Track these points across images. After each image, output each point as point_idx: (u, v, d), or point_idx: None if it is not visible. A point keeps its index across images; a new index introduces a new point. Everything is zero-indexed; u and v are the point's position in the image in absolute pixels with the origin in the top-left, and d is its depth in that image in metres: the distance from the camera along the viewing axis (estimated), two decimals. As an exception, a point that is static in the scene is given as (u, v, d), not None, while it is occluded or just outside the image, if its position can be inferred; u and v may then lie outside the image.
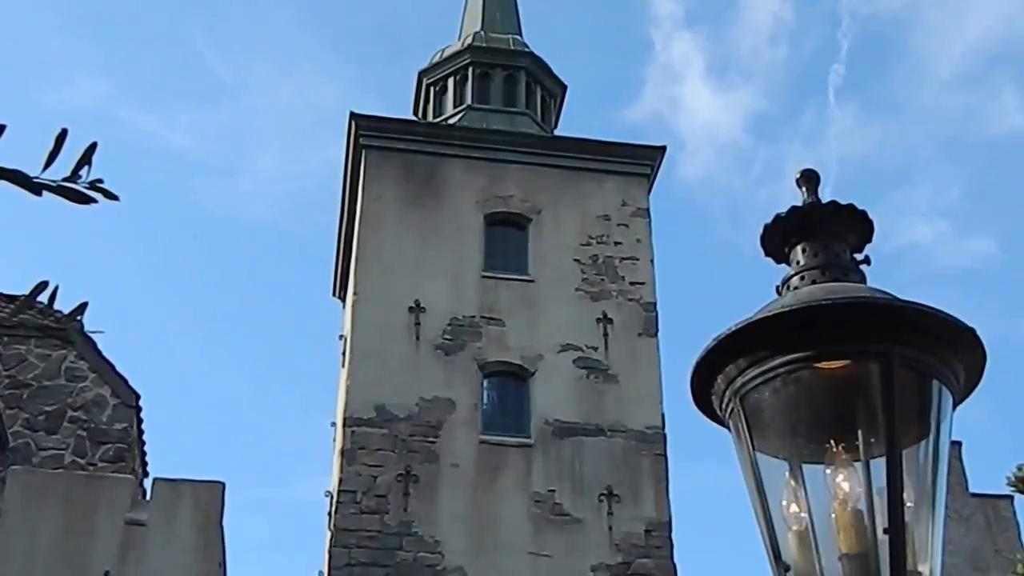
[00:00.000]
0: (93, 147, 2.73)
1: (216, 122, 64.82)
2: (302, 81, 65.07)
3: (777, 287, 3.10)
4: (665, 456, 23.00)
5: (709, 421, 3.09)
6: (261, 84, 65.63)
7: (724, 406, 3.01)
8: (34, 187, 2.67)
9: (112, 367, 16.53)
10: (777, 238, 3.15)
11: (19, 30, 61.16)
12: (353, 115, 25.94)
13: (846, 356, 2.84)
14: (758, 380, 2.89)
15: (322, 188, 65.38)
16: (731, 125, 65.87)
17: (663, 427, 23.32)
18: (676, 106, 64.41)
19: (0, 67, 57.53)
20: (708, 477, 51.10)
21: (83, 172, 2.72)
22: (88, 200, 2.76)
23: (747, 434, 2.96)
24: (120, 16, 64.15)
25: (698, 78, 65.12)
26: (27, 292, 2.94)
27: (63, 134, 2.67)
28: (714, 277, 58.21)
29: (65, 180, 2.70)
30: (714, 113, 64.65)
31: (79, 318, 3.02)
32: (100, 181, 2.75)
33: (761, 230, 3.17)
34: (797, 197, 3.17)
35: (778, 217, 3.12)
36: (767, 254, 3.19)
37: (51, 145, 2.66)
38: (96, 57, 63.85)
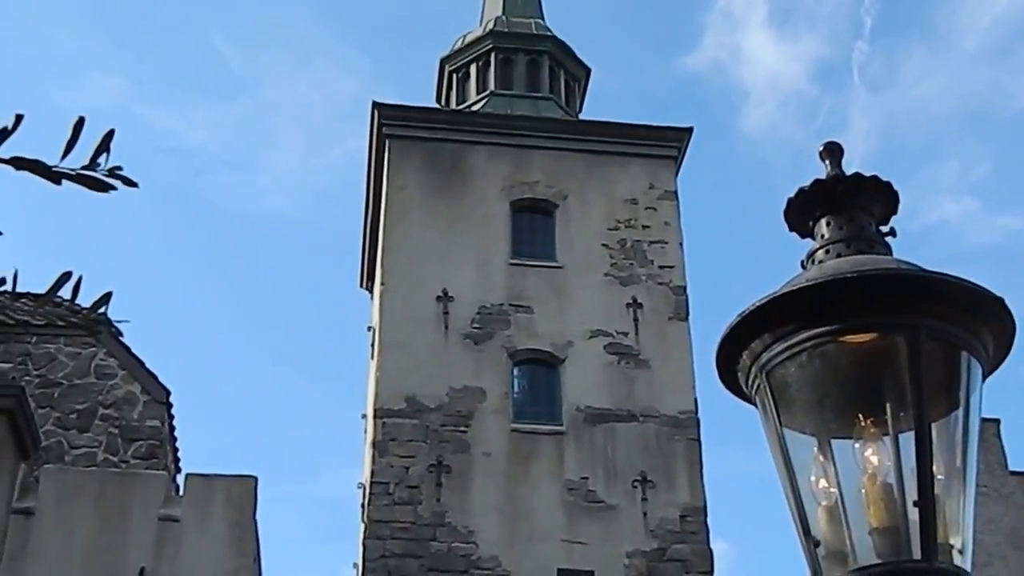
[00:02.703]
0: (110, 134, 2.74)
1: (233, 117, 64.97)
2: (319, 74, 65.08)
3: (802, 261, 3.07)
4: (699, 441, 22.90)
5: (737, 399, 3.08)
6: (277, 78, 65.71)
7: (750, 382, 3.00)
8: (53, 176, 2.69)
9: (142, 364, 16.58)
10: (801, 212, 3.14)
11: (32, 28, 61.51)
12: (376, 104, 25.91)
13: (873, 329, 2.82)
14: (784, 355, 2.87)
15: (343, 181, 65.47)
16: (795, 74, 64.59)
17: (696, 411, 23.21)
18: (737, 54, 63.46)
19: (15, 65, 57.83)
20: (741, 462, 50.88)
21: (101, 160, 2.73)
22: (107, 187, 2.76)
23: (774, 410, 2.93)
24: (134, 12, 64.34)
25: (760, 25, 64.04)
26: (51, 284, 2.95)
27: (80, 122, 2.68)
28: (765, 242, 56.93)
29: (84, 168, 2.71)
30: (777, 61, 63.42)
31: (103, 309, 3.03)
32: (119, 168, 2.77)
33: (784, 204, 3.15)
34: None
35: (801, 191, 3.09)
36: (791, 228, 3.17)
37: (68, 134, 2.68)
38: (111, 54, 64.08)
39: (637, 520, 21.88)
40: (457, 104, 28.91)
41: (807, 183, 3.09)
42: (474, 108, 28.05)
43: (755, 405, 3.01)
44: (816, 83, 65.11)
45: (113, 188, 2.77)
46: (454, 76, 29.58)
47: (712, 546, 21.91)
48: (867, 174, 3.08)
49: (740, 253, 59.00)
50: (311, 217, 66.55)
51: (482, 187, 25.25)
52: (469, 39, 29.74)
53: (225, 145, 66.18)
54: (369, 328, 26.55)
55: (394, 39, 65.80)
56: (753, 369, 2.95)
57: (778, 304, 2.84)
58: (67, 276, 2.94)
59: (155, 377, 16.65)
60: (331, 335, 62.35)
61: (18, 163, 2.68)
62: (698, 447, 22.83)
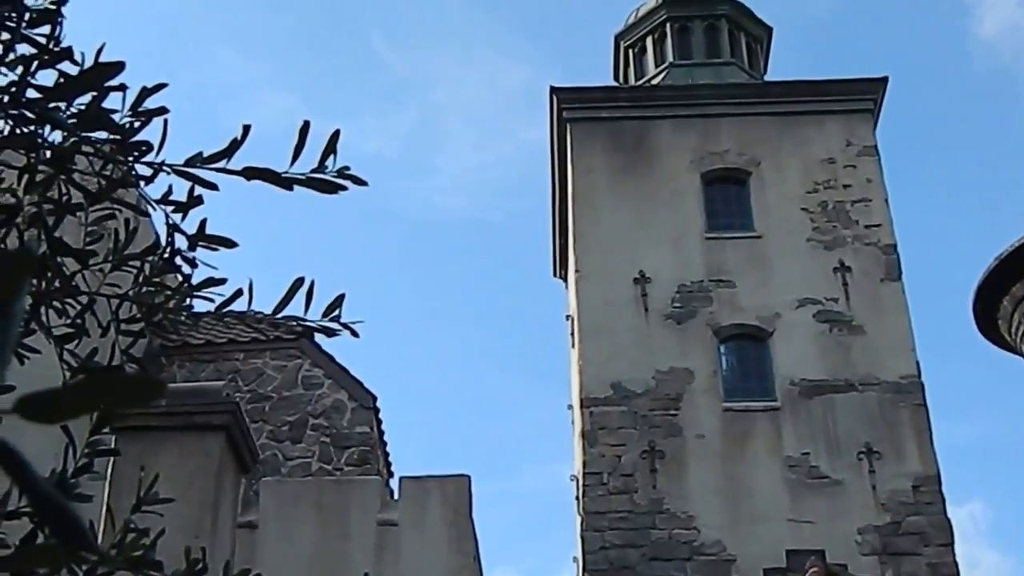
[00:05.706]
0: (336, 135, 2.73)
1: (403, 122, 65.54)
2: (484, 67, 65.01)
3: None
4: (925, 406, 21.71)
5: (1000, 350, 2.54)
6: (443, 77, 65.95)
7: (1014, 330, 2.51)
8: (285, 183, 2.70)
9: (346, 371, 16.68)
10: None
11: (202, 57, 63.48)
12: (553, 89, 25.55)
13: None
14: (1054, 296, 2.32)
15: (522, 172, 65.37)
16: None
17: (919, 375, 22.01)
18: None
19: (190, 93, 59.72)
20: (987, 418, 48.30)
21: (328, 162, 2.72)
22: (337, 188, 2.75)
23: (1049, 361, 2.39)
24: (295, 28, 65.63)
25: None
26: (286, 290, 2.91)
27: (306, 127, 2.67)
28: (996, 174, 52.69)
29: (313, 172, 2.71)
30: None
31: (337, 312, 2.99)
32: (347, 168, 2.74)
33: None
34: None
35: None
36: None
37: (295, 139, 2.68)
38: (280, 72, 65.52)
39: (866, 494, 20.88)
40: (636, 80, 28.34)
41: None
42: (654, 82, 27.43)
43: (1020, 354, 2.53)
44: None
45: (344, 188, 2.73)
46: (630, 52, 28.99)
47: (951, 515, 20.78)
48: None
49: (958, 199, 55.69)
50: (492, 212, 66.78)
51: (670, 162, 24.59)
52: (642, 12, 29.09)
53: (399, 150, 67.00)
54: (567, 317, 26.26)
55: (557, 21, 65.24)
56: (1016, 315, 2.59)
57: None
58: (300, 282, 2.90)
59: (360, 383, 16.72)
60: (528, 327, 62.52)
61: (249, 173, 2.68)
62: (925, 412, 21.65)
